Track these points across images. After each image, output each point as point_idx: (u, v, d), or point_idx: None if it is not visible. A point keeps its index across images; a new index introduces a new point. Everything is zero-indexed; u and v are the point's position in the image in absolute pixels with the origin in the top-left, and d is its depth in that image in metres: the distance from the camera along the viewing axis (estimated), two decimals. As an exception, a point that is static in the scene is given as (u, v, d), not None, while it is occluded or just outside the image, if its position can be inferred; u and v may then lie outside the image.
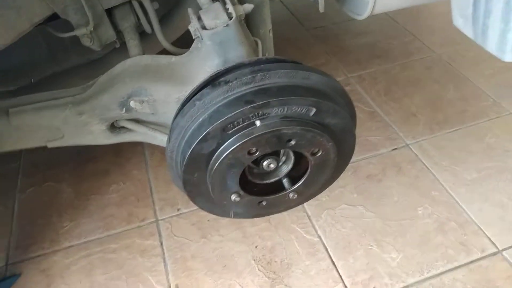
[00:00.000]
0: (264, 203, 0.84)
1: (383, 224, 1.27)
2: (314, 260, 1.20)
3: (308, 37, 2.07)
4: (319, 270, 1.18)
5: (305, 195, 0.88)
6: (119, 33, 1.01)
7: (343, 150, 0.79)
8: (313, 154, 0.74)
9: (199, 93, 0.69)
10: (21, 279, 1.20)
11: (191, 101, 0.70)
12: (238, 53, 0.81)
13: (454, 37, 1.99)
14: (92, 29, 0.93)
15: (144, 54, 0.97)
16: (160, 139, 0.93)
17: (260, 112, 0.64)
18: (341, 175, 1.04)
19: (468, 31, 0.95)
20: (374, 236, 1.24)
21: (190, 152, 0.67)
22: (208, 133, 0.64)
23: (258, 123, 0.64)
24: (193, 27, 0.81)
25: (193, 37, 0.83)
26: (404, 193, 1.35)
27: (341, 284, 1.14)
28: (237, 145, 0.65)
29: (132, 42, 0.98)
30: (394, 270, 1.16)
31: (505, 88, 1.69)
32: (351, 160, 0.97)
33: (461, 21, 0.95)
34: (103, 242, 1.27)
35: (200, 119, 0.66)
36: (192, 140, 0.66)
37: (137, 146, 1.56)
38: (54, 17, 0.93)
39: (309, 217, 1.31)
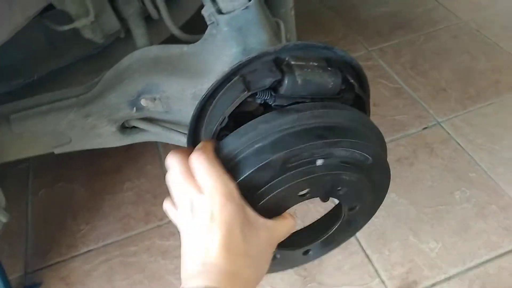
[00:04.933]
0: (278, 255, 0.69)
1: (418, 211, 1.19)
2: (346, 254, 1.12)
3: (322, 9, 1.93)
4: (353, 265, 1.10)
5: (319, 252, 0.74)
6: (122, 20, 0.91)
7: (375, 207, 0.68)
8: (351, 209, 0.63)
9: (263, 116, 0.57)
10: (42, 289, 1.15)
11: (253, 122, 0.57)
12: (259, 38, 0.71)
13: (480, 1, 1.84)
14: (93, 19, 0.84)
15: (151, 43, 0.88)
16: (176, 139, 0.84)
17: (326, 151, 0.54)
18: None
19: None
20: (409, 225, 1.16)
21: (239, 180, 0.54)
22: (269, 162, 0.53)
23: (319, 162, 0.54)
24: (207, 11, 0.70)
25: (207, 22, 0.73)
26: (438, 176, 1.26)
27: (377, 279, 1.07)
28: (293, 182, 0.54)
29: (138, 31, 0.88)
30: (434, 261, 1.08)
31: (542, 54, 1.56)
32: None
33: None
34: (122, 244, 1.21)
35: (260, 144, 0.54)
36: (246, 167, 0.55)
37: (149, 139, 1.48)
38: (50, 7, 0.83)
39: (337, 207, 1.22)
